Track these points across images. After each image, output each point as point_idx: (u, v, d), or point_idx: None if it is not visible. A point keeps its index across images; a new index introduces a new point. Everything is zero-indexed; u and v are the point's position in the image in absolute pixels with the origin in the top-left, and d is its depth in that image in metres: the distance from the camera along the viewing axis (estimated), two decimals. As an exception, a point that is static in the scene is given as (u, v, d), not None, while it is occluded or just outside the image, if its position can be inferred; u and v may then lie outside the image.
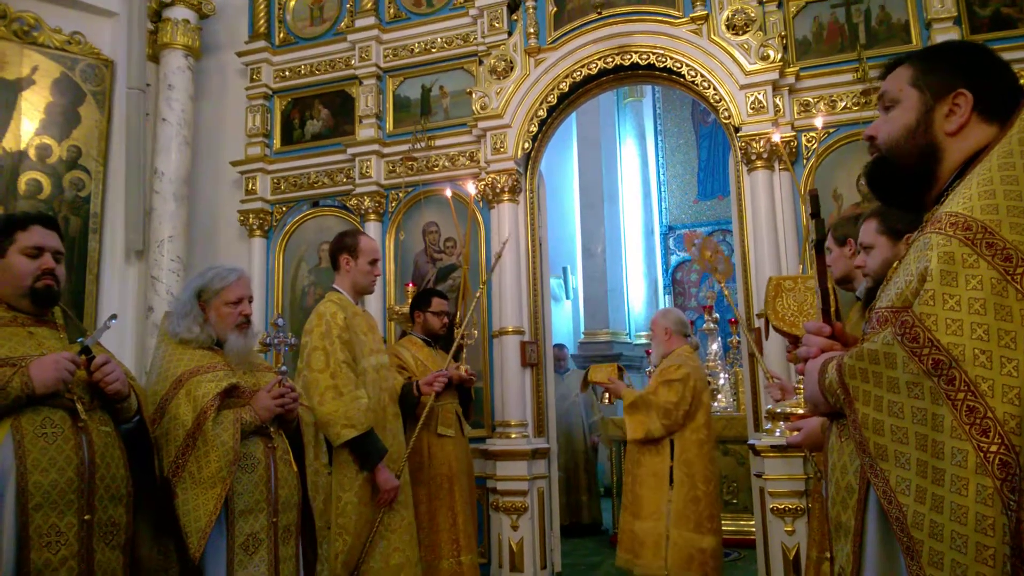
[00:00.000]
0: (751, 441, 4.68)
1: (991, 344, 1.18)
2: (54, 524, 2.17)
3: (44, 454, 2.18)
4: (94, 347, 2.39)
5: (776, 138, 4.52)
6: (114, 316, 2.56)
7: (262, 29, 6.22)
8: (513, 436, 4.93)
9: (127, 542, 2.40)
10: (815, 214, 1.67)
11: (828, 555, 1.91)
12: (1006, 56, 4.56)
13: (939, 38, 4.62)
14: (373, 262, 3.80)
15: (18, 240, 2.39)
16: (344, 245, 3.80)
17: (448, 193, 4.83)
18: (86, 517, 2.23)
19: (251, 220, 6.01)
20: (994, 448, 1.14)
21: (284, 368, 2.89)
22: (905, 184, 1.51)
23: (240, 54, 6.23)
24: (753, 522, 4.99)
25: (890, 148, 1.50)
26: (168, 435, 2.60)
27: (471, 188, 5.08)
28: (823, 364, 1.47)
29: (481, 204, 5.39)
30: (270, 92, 6.19)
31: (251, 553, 2.61)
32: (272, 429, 2.78)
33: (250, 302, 2.93)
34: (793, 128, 4.77)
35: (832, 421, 1.52)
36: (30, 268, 2.38)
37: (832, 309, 1.68)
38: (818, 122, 4.29)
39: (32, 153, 5.44)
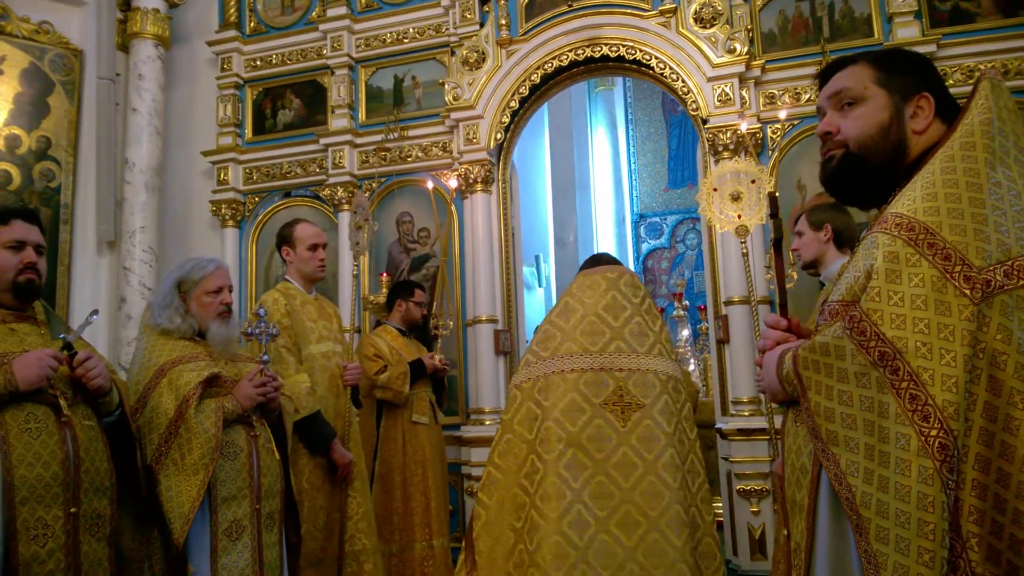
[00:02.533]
0: (719, 425, 4.81)
1: (931, 337, 1.27)
2: (41, 517, 2.20)
3: (29, 449, 2.22)
4: (76, 342, 2.42)
5: (744, 127, 4.62)
6: (95, 312, 2.59)
7: (233, 18, 6.20)
8: (487, 423, 5.02)
9: (112, 533, 2.43)
10: (774, 214, 1.77)
11: (785, 531, 2.01)
12: (965, 49, 4.71)
13: (900, 32, 4.75)
14: (313, 247, 3.76)
15: (0, 234, 2.41)
16: (283, 237, 3.82)
17: (430, 185, 4.88)
18: (72, 510, 2.27)
19: (223, 210, 6.01)
20: (934, 432, 1.24)
21: (266, 357, 2.94)
22: (873, 179, 1.56)
23: (211, 43, 6.20)
24: (721, 504, 5.13)
25: (863, 145, 1.55)
26: (151, 424, 2.63)
27: (452, 183, 5.13)
28: (780, 355, 1.57)
29: (454, 195, 5.44)
30: (241, 82, 6.17)
31: (234, 539, 2.67)
32: (254, 418, 2.83)
33: (230, 291, 2.98)
34: (759, 120, 4.88)
35: (788, 407, 1.62)
36: (12, 262, 2.40)
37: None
38: (782, 114, 4.41)
39: (1, 144, 5.39)
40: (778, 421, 3.90)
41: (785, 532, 2.07)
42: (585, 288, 2.76)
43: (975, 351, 1.26)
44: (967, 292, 1.27)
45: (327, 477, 3.55)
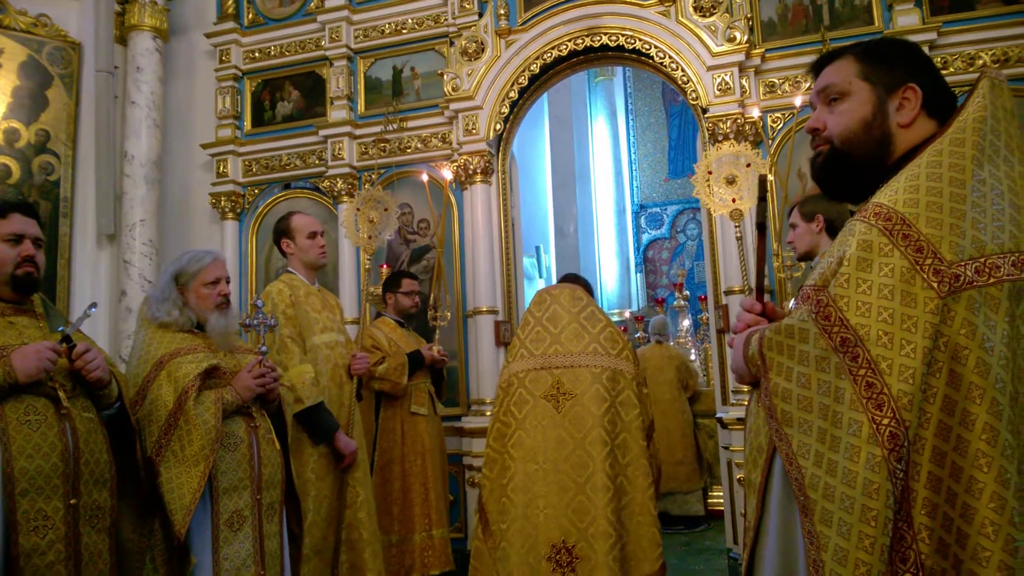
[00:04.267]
0: (719, 414, 4.81)
1: (894, 327, 1.27)
2: (41, 509, 2.21)
3: (28, 441, 2.22)
4: (74, 335, 2.42)
5: (756, 113, 4.59)
6: (94, 305, 2.59)
7: (231, 10, 6.18)
8: (488, 414, 5.02)
9: (112, 525, 2.45)
10: (762, 197, 1.77)
11: (743, 512, 2.06)
12: (965, 37, 4.68)
13: (901, 20, 4.73)
14: (312, 235, 3.79)
15: None
16: (280, 231, 3.84)
17: (424, 177, 4.87)
18: (72, 501, 2.28)
19: (223, 203, 6.00)
20: (886, 421, 1.25)
21: (265, 348, 2.94)
22: (859, 174, 1.56)
23: (209, 35, 6.19)
24: (721, 493, 5.14)
25: (846, 140, 1.55)
26: (151, 416, 2.64)
27: (447, 173, 5.13)
28: (748, 336, 1.58)
29: (454, 186, 5.44)
30: (240, 73, 6.16)
31: (236, 530, 2.68)
32: (254, 409, 2.84)
33: (228, 283, 2.98)
34: (759, 109, 4.86)
35: (753, 389, 1.62)
36: (10, 255, 2.41)
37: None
38: (796, 100, 4.34)
39: (0, 137, 5.39)
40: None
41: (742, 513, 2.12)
42: (535, 304, 3.48)
43: (937, 344, 1.26)
44: (934, 285, 1.27)
45: (331, 466, 3.57)
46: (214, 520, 2.65)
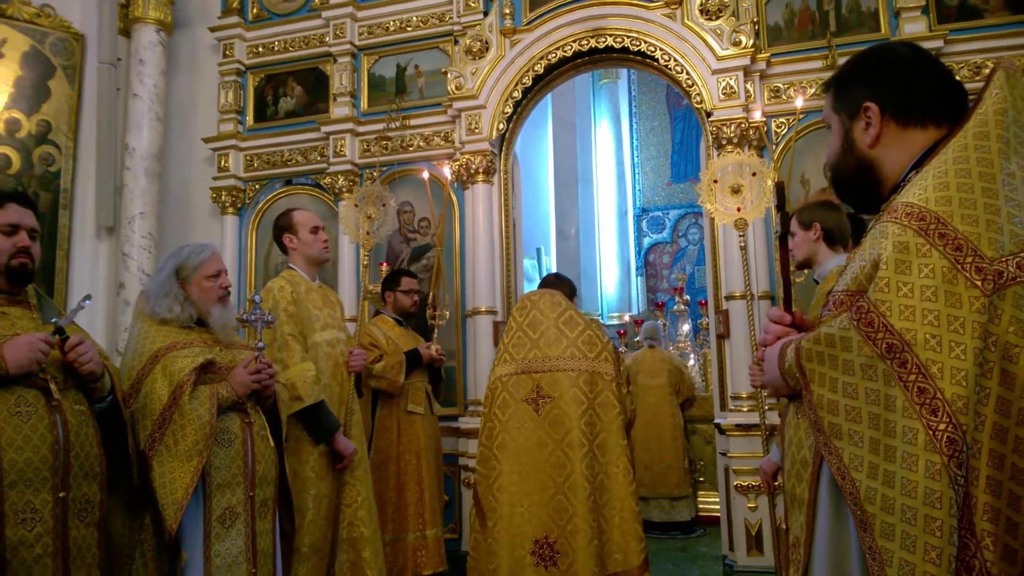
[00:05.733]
0: (717, 420, 4.79)
1: (941, 329, 1.24)
2: (29, 501, 2.18)
3: (18, 432, 2.19)
4: (68, 327, 2.40)
5: (757, 115, 4.57)
6: (88, 297, 2.56)
7: (235, 4, 6.16)
8: (485, 415, 4.99)
9: (102, 519, 2.42)
10: (780, 206, 1.74)
11: (784, 525, 2.03)
12: (972, 46, 4.65)
13: (907, 27, 4.71)
14: (314, 230, 3.77)
15: None
16: (282, 226, 3.81)
17: (425, 175, 4.84)
18: (61, 494, 2.25)
19: (224, 197, 5.98)
20: (942, 427, 1.21)
21: (261, 344, 2.91)
22: (857, 194, 1.64)
23: (213, 29, 6.17)
24: (717, 500, 5.12)
25: (833, 169, 1.65)
26: (144, 410, 2.61)
27: (447, 171, 5.10)
28: (782, 348, 1.54)
29: (456, 185, 5.41)
30: (243, 68, 6.14)
31: (228, 526, 2.65)
32: (249, 405, 2.81)
33: (226, 275, 2.97)
34: (764, 113, 4.84)
35: (790, 400, 1.59)
36: (5, 246, 2.38)
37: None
38: (798, 102, 4.33)
39: (1, 127, 5.38)
40: (771, 418, 3.90)
41: (783, 526, 2.09)
42: (518, 310, 3.64)
43: (986, 344, 1.23)
44: (978, 283, 1.23)
45: (331, 466, 3.55)
46: (206, 516, 2.62)
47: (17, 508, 2.16)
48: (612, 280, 12.29)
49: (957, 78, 1.55)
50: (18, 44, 5.47)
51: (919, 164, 1.47)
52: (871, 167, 1.55)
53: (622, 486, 3.34)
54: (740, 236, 3.70)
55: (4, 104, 5.40)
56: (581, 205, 12.08)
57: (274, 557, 2.83)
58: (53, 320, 2.40)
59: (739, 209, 3.58)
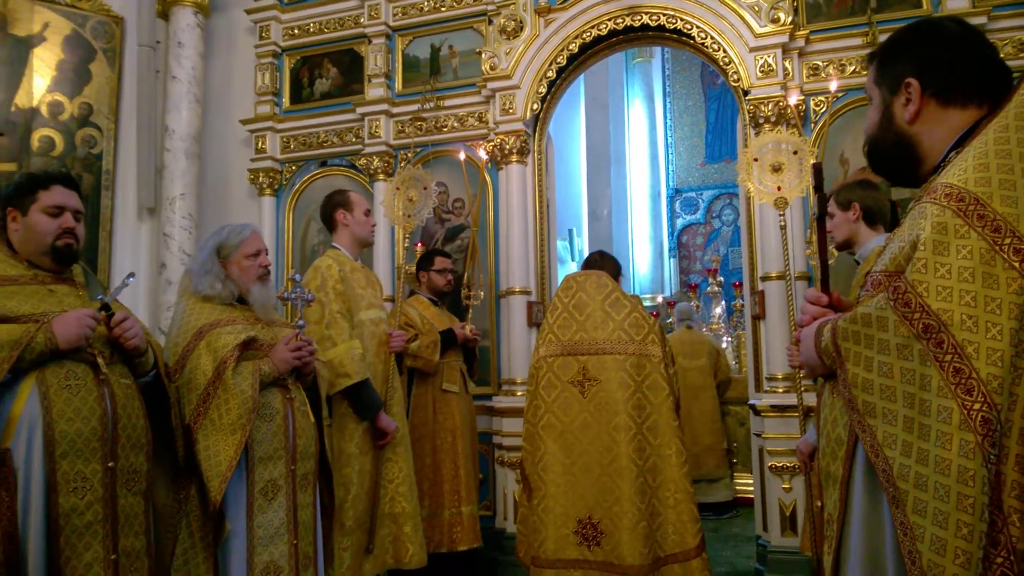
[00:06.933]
0: (752, 401, 4.77)
1: (978, 310, 1.24)
2: (80, 471, 2.26)
3: (69, 404, 2.27)
4: (113, 304, 2.46)
5: (793, 100, 4.51)
6: (132, 274, 2.63)
7: (271, -14, 6.20)
8: (519, 393, 5.03)
9: (148, 489, 2.50)
10: (818, 187, 1.73)
11: (819, 503, 2.04)
12: (1017, 22, 4.54)
13: (950, 3, 4.61)
14: (367, 212, 3.91)
15: (40, 199, 2.45)
16: (337, 202, 3.89)
17: (461, 156, 4.86)
18: (110, 464, 2.33)
19: (261, 179, 6.05)
20: (977, 406, 1.22)
21: (302, 322, 2.97)
22: (894, 168, 1.65)
23: (249, 11, 6.21)
24: (752, 481, 5.11)
25: (871, 142, 1.65)
26: (190, 384, 2.69)
27: (481, 153, 5.12)
28: (819, 327, 1.55)
29: (489, 165, 5.42)
30: (279, 50, 6.19)
31: (270, 499, 2.72)
32: (290, 381, 2.88)
33: (266, 254, 3.02)
34: (802, 92, 4.77)
35: (826, 380, 1.60)
36: (51, 227, 2.45)
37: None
38: (832, 85, 4.27)
39: (44, 110, 5.48)
40: (808, 399, 3.88)
41: (818, 503, 2.10)
42: (562, 289, 3.64)
43: (1022, 324, 1.23)
44: (1016, 265, 1.24)
45: (373, 442, 3.62)
46: (249, 489, 2.69)
47: (69, 477, 2.24)
48: (645, 261, 12.24)
49: (1001, 55, 1.53)
50: (60, 28, 5.57)
51: (960, 144, 1.46)
52: (910, 143, 1.55)
53: (675, 467, 3.38)
54: (780, 215, 3.67)
55: (47, 87, 5.50)
56: (614, 186, 12.02)
57: (315, 530, 2.90)
58: (99, 297, 2.46)
59: (779, 188, 3.54)
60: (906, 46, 1.59)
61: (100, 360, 2.39)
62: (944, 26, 1.58)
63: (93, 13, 5.71)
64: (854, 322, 1.41)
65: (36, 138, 5.44)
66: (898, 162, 1.60)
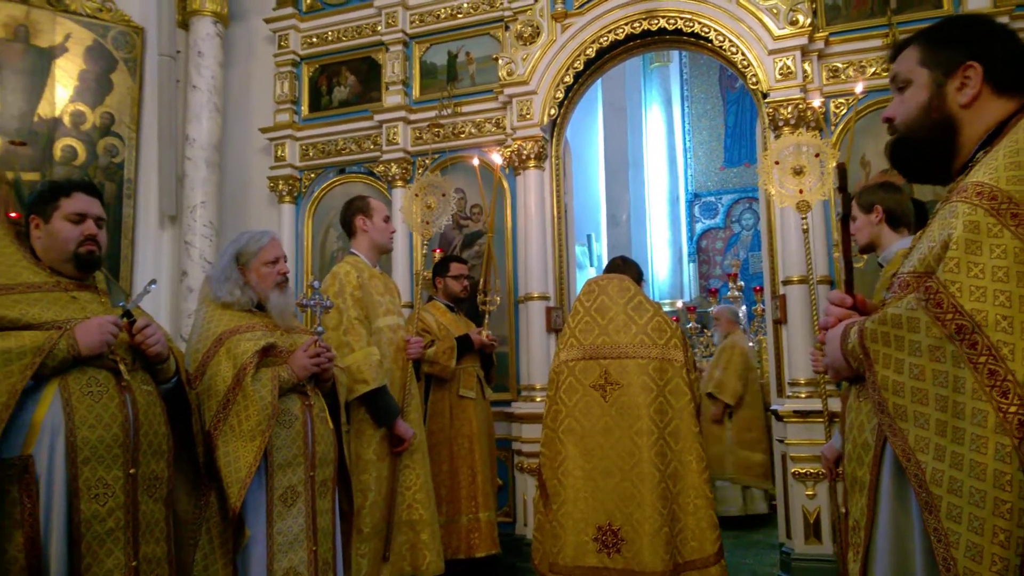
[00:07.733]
0: (774, 406, 4.72)
1: (1013, 310, 1.22)
2: (101, 477, 2.26)
3: (91, 411, 2.28)
4: (134, 311, 2.47)
5: (816, 102, 4.48)
6: (154, 281, 2.65)
7: (290, -5, 6.25)
8: (538, 399, 5.01)
9: (169, 495, 2.50)
10: (842, 188, 1.71)
11: (843, 509, 2.01)
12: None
13: (972, 3, 4.55)
14: (387, 219, 3.90)
15: (62, 206, 2.47)
16: (357, 208, 3.89)
17: (475, 162, 4.86)
18: (131, 471, 2.33)
19: (280, 186, 6.09)
20: (1013, 409, 1.19)
21: (320, 329, 2.98)
22: (927, 159, 1.56)
23: (268, 20, 6.26)
24: (774, 487, 5.05)
25: (908, 127, 1.56)
26: (209, 391, 2.70)
27: (497, 158, 5.12)
28: (845, 329, 1.52)
29: (507, 171, 5.42)
30: (298, 59, 6.23)
31: (289, 505, 2.72)
32: (309, 387, 2.89)
33: (285, 261, 3.03)
34: (822, 94, 4.73)
35: (851, 384, 1.57)
36: (74, 234, 2.46)
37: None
38: (858, 87, 4.22)
39: (67, 120, 5.55)
40: (832, 404, 3.83)
41: (843, 510, 2.07)
42: (584, 294, 3.63)
43: None
44: None
45: (390, 448, 3.62)
46: (268, 495, 2.70)
47: (90, 484, 2.24)
48: (664, 266, 12.18)
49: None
50: (82, 39, 5.64)
51: (988, 143, 1.44)
52: (953, 127, 1.50)
53: (695, 473, 3.35)
54: (803, 219, 3.64)
55: (70, 97, 5.57)
56: (632, 191, 11.99)
57: (334, 535, 2.90)
58: (121, 304, 2.47)
59: (801, 191, 3.51)
60: (965, 30, 1.54)
61: (122, 367, 2.39)
62: (993, 20, 1.57)
63: (114, 24, 5.77)
64: (883, 323, 1.38)
65: (59, 148, 5.50)
66: (933, 150, 1.54)
